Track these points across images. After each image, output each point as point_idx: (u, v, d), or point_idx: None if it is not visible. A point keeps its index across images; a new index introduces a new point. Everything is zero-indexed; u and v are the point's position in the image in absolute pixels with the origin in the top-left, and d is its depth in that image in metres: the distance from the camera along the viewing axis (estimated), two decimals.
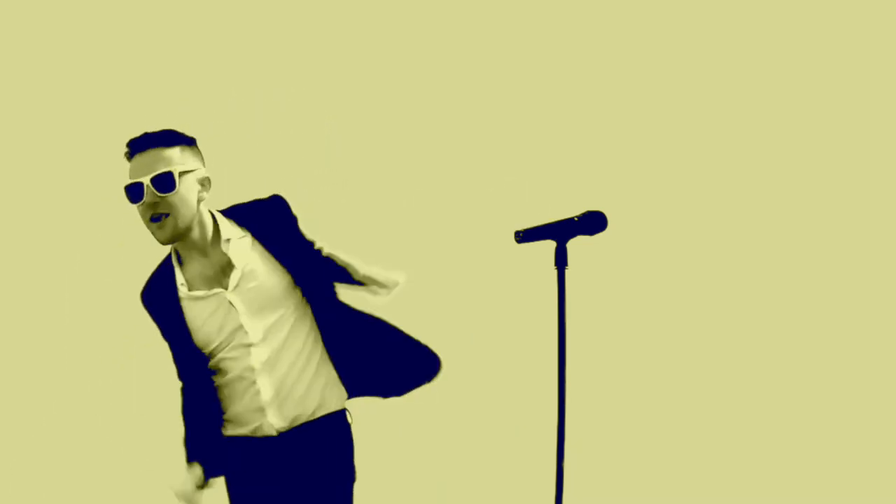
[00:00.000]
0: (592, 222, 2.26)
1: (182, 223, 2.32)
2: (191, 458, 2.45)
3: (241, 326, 2.39)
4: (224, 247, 2.38)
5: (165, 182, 2.27)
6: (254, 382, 2.40)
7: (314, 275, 2.45)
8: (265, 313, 2.40)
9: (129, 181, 2.31)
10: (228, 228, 2.40)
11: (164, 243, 2.35)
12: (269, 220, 2.42)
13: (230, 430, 2.48)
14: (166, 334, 2.47)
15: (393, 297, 2.57)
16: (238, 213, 2.43)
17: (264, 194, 2.48)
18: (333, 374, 2.52)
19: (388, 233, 4.84)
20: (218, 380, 2.45)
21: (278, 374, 2.41)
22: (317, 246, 2.49)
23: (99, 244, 4.78)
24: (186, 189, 2.32)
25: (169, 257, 2.44)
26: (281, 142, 4.86)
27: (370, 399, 4.27)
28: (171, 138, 2.34)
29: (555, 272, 2.29)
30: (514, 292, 4.52)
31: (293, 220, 2.45)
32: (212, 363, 2.44)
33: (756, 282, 4.76)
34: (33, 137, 4.81)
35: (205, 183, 2.40)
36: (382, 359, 2.54)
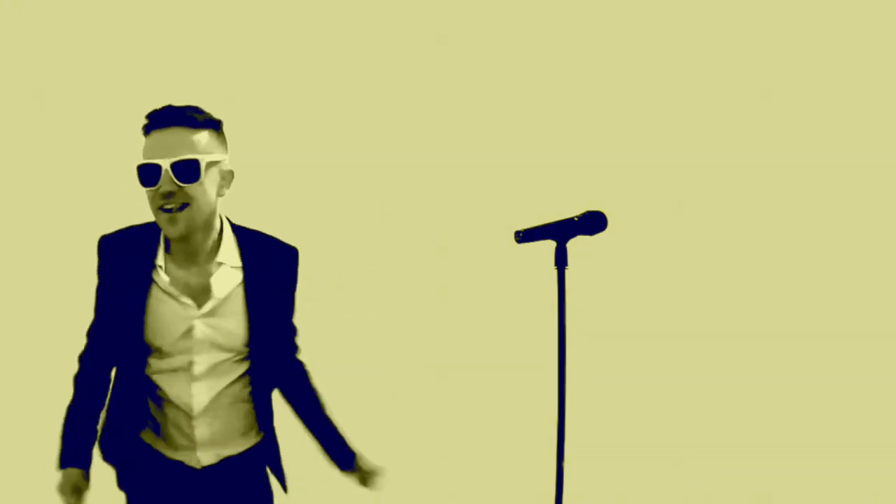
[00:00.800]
0: (592, 222, 2.26)
1: (199, 219, 2.03)
2: (104, 454, 2.30)
3: (191, 351, 2.16)
4: (213, 267, 2.13)
5: (189, 171, 1.95)
6: (190, 416, 2.21)
7: (273, 340, 2.25)
8: (218, 352, 2.18)
9: (145, 160, 1.97)
10: (229, 249, 2.16)
11: (174, 238, 2.05)
12: (271, 266, 2.21)
13: (157, 445, 2.27)
14: (110, 304, 2.17)
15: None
16: (251, 239, 2.20)
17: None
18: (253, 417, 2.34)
19: (389, 233, 4.84)
20: (154, 385, 2.21)
21: (214, 414, 2.23)
22: (293, 317, 2.33)
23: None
24: (210, 182, 2.03)
25: (154, 227, 2.12)
26: (281, 142, 4.86)
27: (369, 399, 4.29)
28: (200, 119, 2.02)
29: (555, 272, 2.29)
30: (514, 292, 4.52)
31: (293, 279, 2.28)
32: (151, 361, 2.18)
33: (756, 281, 4.76)
34: (35, 137, 4.81)
35: (227, 177, 2.11)
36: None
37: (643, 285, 4.73)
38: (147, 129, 2.02)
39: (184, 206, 2.00)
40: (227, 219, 2.20)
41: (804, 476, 4.49)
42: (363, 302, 4.96)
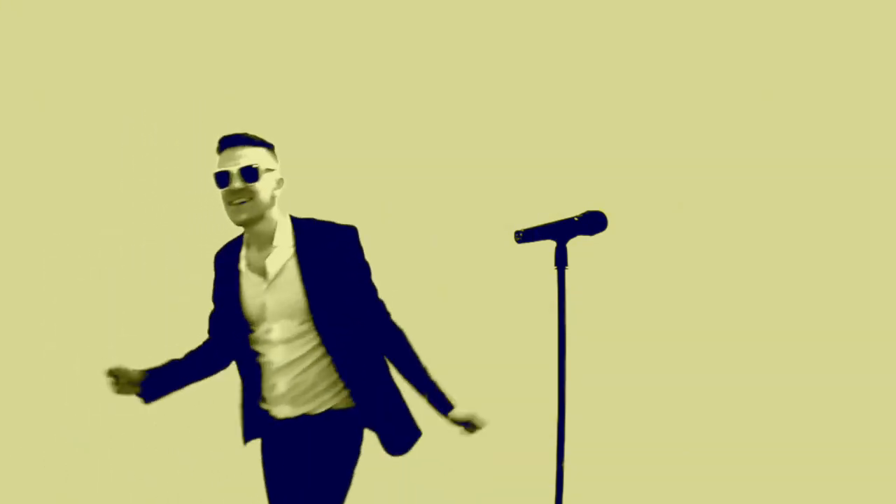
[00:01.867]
0: (592, 222, 2.27)
1: (257, 211, 2.66)
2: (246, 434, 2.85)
3: (267, 320, 2.70)
4: (271, 250, 2.71)
5: (251, 173, 2.64)
6: (272, 374, 2.73)
7: (338, 307, 2.70)
8: (287, 320, 2.69)
9: (219, 169, 2.68)
10: (284, 235, 2.73)
11: (237, 224, 2.68)
12: (325, 244, 2.73)
13: (261, 403, 2.80)
14: (217, 294, 2.84)
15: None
16: (306, 225, 2.77)
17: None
18: (339, 383, 2.76)
19: (389, 233, 4.84)
20: (255, 352, 2.77)
21: (291, 373, 2.71)
22: (367, 287, 2.78)
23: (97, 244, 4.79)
24: (265, 183, 2.69)
25: (242, 235, 2.78)
26: (280, 142, 4.86)
27: None
28: (256, 140, 2.74)
29: (555, 272, 2.29)
30: (514, 292, 4.52)
31: (352, 254, 2.75)
32: (252, 335, 2.75)
33: (756, 281, 4.76)
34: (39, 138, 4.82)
35: (280, 183, 2.78)
36: (374, 408, 2.76)
37: (643, 285, 4.73)
38: (220, 149, 2.72)
39: (246, 200, 2.65)
40: (290, 215, 2.79)
41: (804, 476, 4.49)
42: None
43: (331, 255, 2.71)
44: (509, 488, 4.38)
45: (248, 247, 2.77)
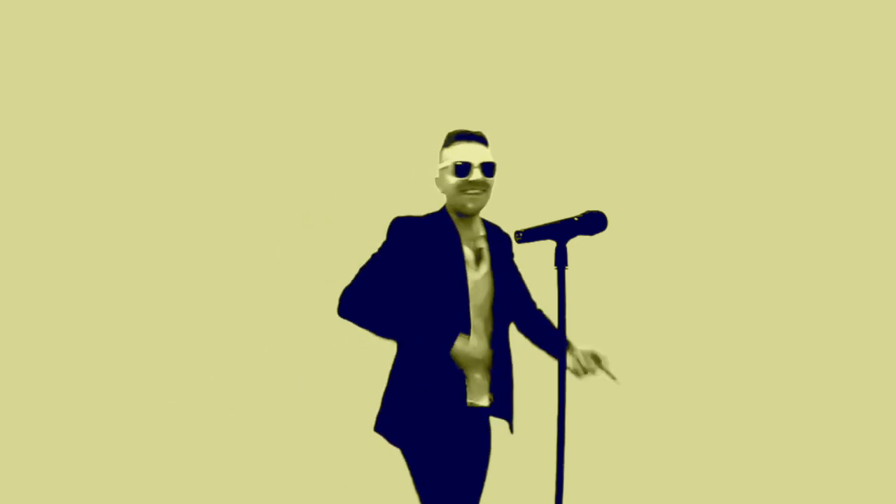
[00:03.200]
0: (592, 222, 2.26)
1: (486, 201, 2.83)
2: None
3: (471, 303, 2.80)
4: (479, 241, 2.86)
5: (490, 168, 2.81)
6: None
7: (510, 298, 2.89)
8: (483, 304, 2.82)
9: (460, 160, 2.80)
10: (481, 227, 2.90)
11: (471, 212, 2.81)
12: (500, 240, 2.91)
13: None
14: (420, 269, 2.80)
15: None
16: (485, 222, 2.94)
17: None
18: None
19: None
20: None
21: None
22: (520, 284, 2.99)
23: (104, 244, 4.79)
24: (494, 179, 2.86)
25: (442, 215, 2.88)
26: (281, 142, 4.87)
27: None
28: (487, 142, 2.89)
29: (555, 272, 2.29)
30: None
31: (511, 252, 2.94)
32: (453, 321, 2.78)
33: (755, 281, 4.77)
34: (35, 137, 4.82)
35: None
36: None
37: (643, 285, 4.73)
38: (456, 139, 2.86)
39: (481, 192, 2.80)
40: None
41: (804, 476, 4.49)
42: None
43: (503, 250, 2.89)
44: (510, 488, 4.37)
45: (461, 233, 2.87)
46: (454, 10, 4.86)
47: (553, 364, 2.54)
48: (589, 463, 4.03)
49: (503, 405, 2.90)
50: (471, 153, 2.82)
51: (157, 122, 4.84)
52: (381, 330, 2.77)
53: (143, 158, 4.83)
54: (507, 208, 4.54)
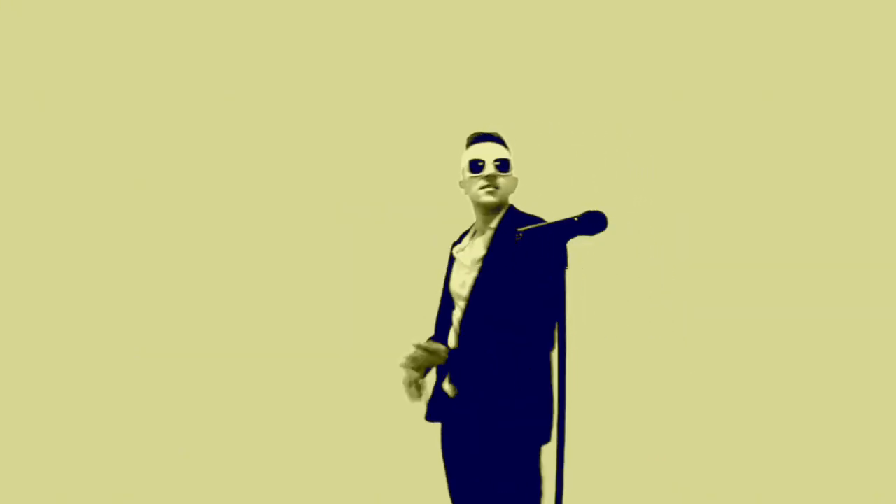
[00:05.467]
0: (592, 222, 2.26)
1: (503, 196, 2.93)
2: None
3: (461, 300, 2.90)
4: (488, 233, 2.93)
5: (505, 164, 2.94)
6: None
7: (491, 307, 2.82)
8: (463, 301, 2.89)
9: (474, 157, 2.95)
10: (497, 219, 2.92)
11: (487, 207, 2.92)
12: (526, 246, 2.69)
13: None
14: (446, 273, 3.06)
15: None
16: (524, 219, 2.86)
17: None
18: None
19: (389, 233, 4.84)
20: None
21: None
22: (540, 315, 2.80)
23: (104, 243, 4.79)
24: (510, 176, 2.96)
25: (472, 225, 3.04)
26: (281, 142, 4.86)
27: (368, 399, 4.27)
28: (503, 141, 3.03)
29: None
30: None
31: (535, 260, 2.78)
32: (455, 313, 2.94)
33: (755, 281, 4.76)
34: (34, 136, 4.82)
35: (514, 181, 3.02)
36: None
37: (643, 285, 4.73)
38: (474, 141, 3.00)
39: (496, 187, 2.90)
40: (513, 207, 2.98)
41: (804, 476, 4.49)
42: (363, 301, 4.96)
43: (523, 257, 2.77)
44: None
45: (476, 230, 3.01)
46: (454, 10, 4.86)
47: (553, 362, 2.53)
48: (589, 463, 4.03)
49: (471, 405, 2.82)
50: (485, 151, 2.97)
51: (157, 122, 4.84)
52: None
53: (143, 158, 4.84)
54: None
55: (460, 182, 3.06)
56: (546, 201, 4.29)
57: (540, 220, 2.85)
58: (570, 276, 2.27)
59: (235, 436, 4.74)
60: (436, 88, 4.85)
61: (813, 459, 4.54)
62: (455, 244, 3.12)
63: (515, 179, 3.03)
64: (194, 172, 4.88)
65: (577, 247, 2.31)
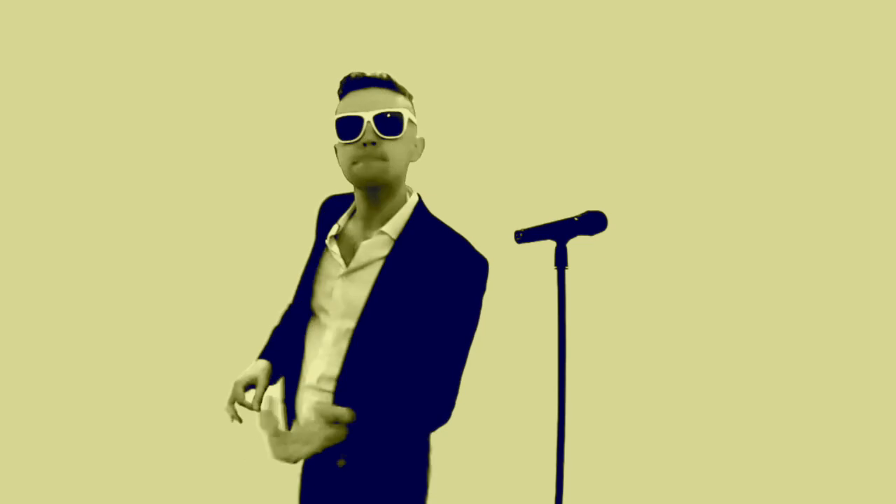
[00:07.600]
0: (592, 222, 2.26)
1: (389, 175, 2.00)
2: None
3: (328, 311, 2.13)
4: (375, 234, 2.09)
5: (392, 123, 1.97)
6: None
7: (392, 333, 2.07)
8: (342, 319, 2.11)
9: (345, 114, 1.97)
10: (399, 224, 2.09)
11: (357, 183, 2.02)
12: (438, 262, 2.07)
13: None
14: (312, 251, 2.23)
15: None
16: (435, 229, 2.13)
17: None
18: None
19: None
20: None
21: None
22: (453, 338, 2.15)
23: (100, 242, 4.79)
24: (406, 141, 2.03)
25: (352, 198, 2.16)
26: (281, 143, 4.86)
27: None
28: (398, 85, 2.05)
29: (555, 272, 2.29)
30: (514, 292, 4.51)
31: (463, 289, 2.08)
32: (312, 317, 2.16)
33: (755, 281, 4.76)
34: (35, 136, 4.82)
35: (419, 144, 2.14)
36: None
37: (643, 285, 4.73)
38: (345, 90, 2.03)
39: (382, 159, 1.98)
40: (423, 203, 2.20)
41: (803, 476, 4.48)
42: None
43: (434, 277, 2.06)
44: (510, 488, 4.37)
45: (357, 217, 2.14)
46: (454, 11, 4.86)
47: (552, 364, 2.53)
48: (589, 463, 4.02)
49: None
50: (361, 103, 1.99)
51: (158, 121, 4.84)
52: None
53: (142, 158, 4.83)
54: (508, 208, 4.56)
55: (335, 148, 2.08)
56: (546, 201, 4.28)
57: (451, 229, 2.17)
58: (571, 276, 2.27)
59: (235, 436, 4.74)
60: (436, 89, 4.86)
61: (813, 459, 4.54)
62: (329, 209, 2.20)
63: (415, 147, 2.07)
64: (194, 173, 4.88)
65: (577, 247, 2.31)
